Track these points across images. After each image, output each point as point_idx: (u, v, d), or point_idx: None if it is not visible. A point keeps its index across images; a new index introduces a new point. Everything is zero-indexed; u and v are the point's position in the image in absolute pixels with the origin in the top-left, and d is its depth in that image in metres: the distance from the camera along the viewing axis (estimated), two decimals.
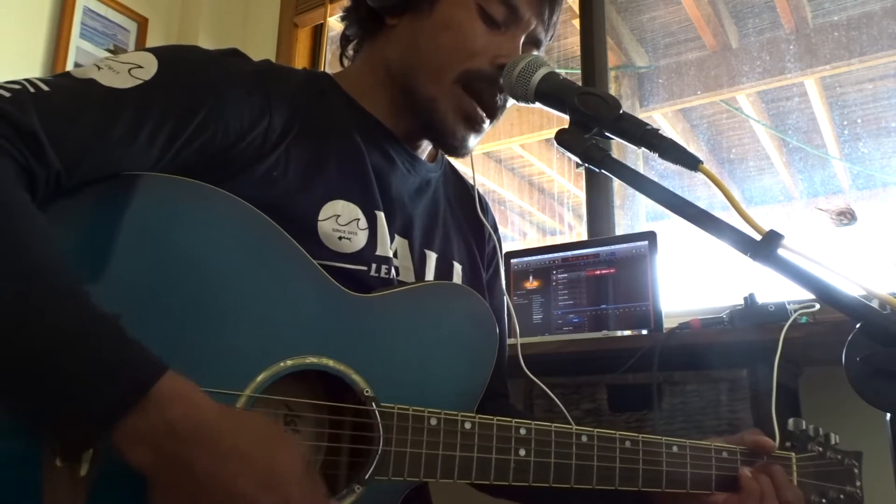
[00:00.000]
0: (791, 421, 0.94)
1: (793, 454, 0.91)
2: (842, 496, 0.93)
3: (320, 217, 0.80)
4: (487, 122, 0.91)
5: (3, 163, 0.59)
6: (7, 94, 0.62)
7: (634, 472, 0.82)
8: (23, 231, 0.57)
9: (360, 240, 0.83)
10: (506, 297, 1.08)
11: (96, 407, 0.54)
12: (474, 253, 1.03)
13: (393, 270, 0.86)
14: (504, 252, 1.09)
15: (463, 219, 1.04)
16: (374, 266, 0.84)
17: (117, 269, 0.64)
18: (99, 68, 0.70)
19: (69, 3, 2.30)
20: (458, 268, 0.98)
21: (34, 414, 0.55)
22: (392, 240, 0.89)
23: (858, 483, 0.96)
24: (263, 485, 0.56)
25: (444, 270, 0.96)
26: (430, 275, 0.94)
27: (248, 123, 0.77)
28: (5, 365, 0.54)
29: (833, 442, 0.95)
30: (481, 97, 0.88)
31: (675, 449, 0.84)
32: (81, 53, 2.31)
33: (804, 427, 0.94)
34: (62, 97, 0.66)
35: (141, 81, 0.71)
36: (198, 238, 0.68)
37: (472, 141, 0.92)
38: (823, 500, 0.91)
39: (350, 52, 0.99)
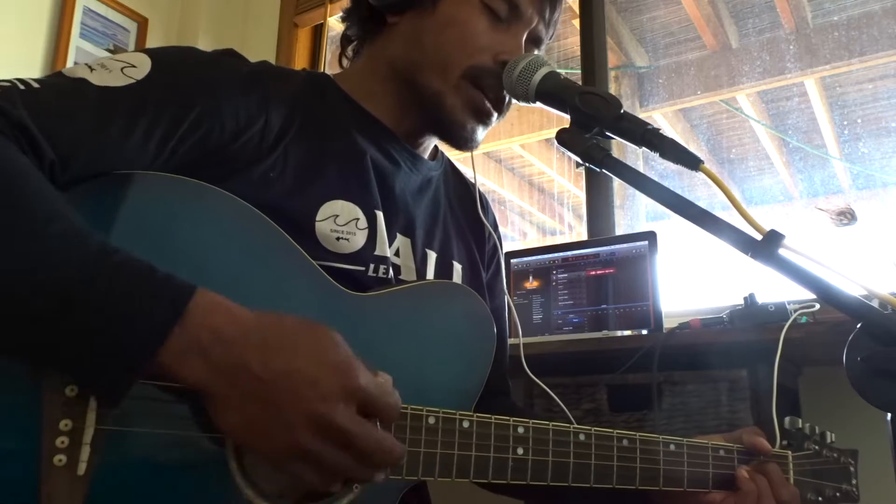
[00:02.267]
0: (787, 419, 0.94)
1: (789, 452, 0.91)
2: (838, 494, 0.93)
3: (318, 217, 0.80)
4: (495, 115, 0.91)
5: (5, 142, 0.59)
6: None
7: (632, 470, 0.82)
8: (35, 182, 0.57)
9: (359, 240, 0.83)
10: (507, 297, 1.08)
11: (140, 329, 0.54)
12: (474, 252, 1.02)
13: (391, 270, 0.86)
14: (504, 252, 1.09)
15: (463, 218, 1.03)
16: (371, 266, 0.84)
17: None
18: (91, 69, 0.70)
19: (69, 3, 2.30)
20: (457, 267, 0.98)
21: (75, 354, 0.54)
22: (394, 239, 0.89)
23: (854, 481, 0.96)
24: (317, 365, 0.57)
25: (443, 270, 0.96)
26: (430, 274, 0.94)
27: (244, 123, 0.77)
28: (48, 311, 0.53)
29: (829, 440, 0.96)
30: (488, 92, 0.88)
31: (672, 447, 0.84)
32: (81, 53, 2.31)
33: (800, 425, 0.94)
34: (53, 96, 0.65)
35: (134, 80, 0.70)
36: (194, 236, 0.68)
37: (481, 134, 0.92)
38: (820, 498, 0.91)
39: (350, 52, 0.98)
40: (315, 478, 0.58)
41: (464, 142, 0.91)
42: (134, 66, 0.71)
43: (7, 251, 0.53)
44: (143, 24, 2.52)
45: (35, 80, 0.66)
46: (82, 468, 0.56)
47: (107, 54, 2.37)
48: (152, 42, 2.54)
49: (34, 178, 0.58)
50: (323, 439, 0.56)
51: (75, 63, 2.28)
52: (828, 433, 0.96)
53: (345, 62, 0.99)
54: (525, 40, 0.91)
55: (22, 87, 0.64)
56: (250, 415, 0.56)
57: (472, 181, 1.07)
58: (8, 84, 0.64)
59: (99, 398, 0.56)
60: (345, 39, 0.99)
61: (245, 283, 0.69)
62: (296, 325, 0.60)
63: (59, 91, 0.66)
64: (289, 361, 0.57)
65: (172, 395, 0.61)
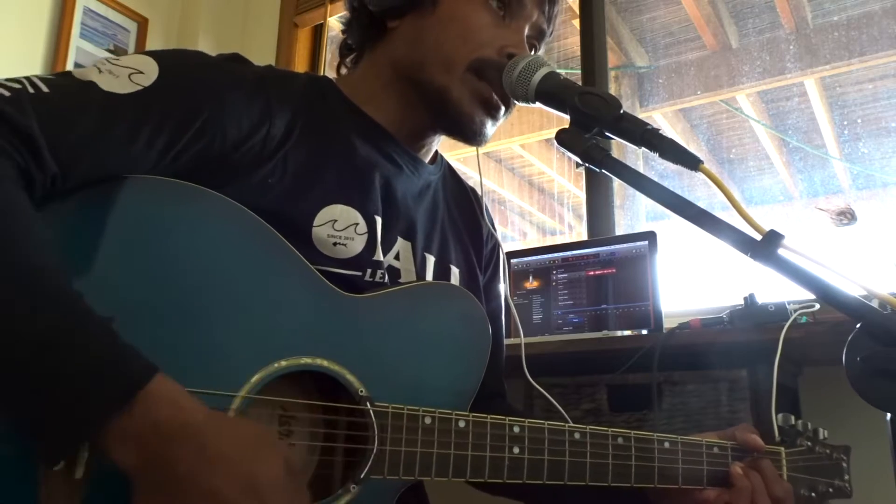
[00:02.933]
0: (780, 416, 0.94)
1: (782, 449, 0.91)
2: (831, 490, 0.94)
3: (315, 223, 0.80)
4: (503, 109, 0.90)
5: (5, 164, 0.59)
6: (6, 94, 0.62)
7: (627, 468, 0.82)
8: (17, 230, 0.57)
9: (357, 245, 0.83)
10: (508, 299, 1.08)
11: (85, 406, 0.54)
12: (471, 256, 1.02)
13: (386, 275, 0.86)
14: (503, 252, 1.09)
15: (461, 221, 1.03)
16: (368, 271, 0.84)
17: (111, 270, 0.63)
18: (100, 71, 0.70)
19: (69, 3, 2.30)
20: (455, 271, 0.98)
21: (21, 414, 0.55)
22: (394, 243, 0.89)
23: (847, 477, 0.97)
24: (245, 491, 0.56)
25: (441, 274, 0.96)
26: (428, 278, 0.94)
27: (248, 130, 0.77)
28: (8, 358, 0.54)
29: (822, 437, 0.96)
30: (494, 85, 0.88)
31: (666, 445, 0.85)
32: (81, 53, 2.31)
33: (793, 422, 0.94)
34: (61, 99, 0.66)
35: (141, 88, 0.70)
36: (191, 239, 0.68)
37: (490, 128, 0.91)
38: (813, 494, 0.92)
39: (348, 62, 0.98)
40: None
41: (473, 135, 0.90)
42: (141, 73, 0.72)
43: None
44: (143, 24, 2.52)
45: (44, 80, 0.66)
46: (80, 471, 0.56)
47: (107, 54, 2.38)
48: (152, 42, 2.54)
49: (22, 220, 0.58)
50: None
51: (76, 64, 2.28)
52: (820, 430, 0.96)
53: (343, 70, 0.99)
54: (527, 35, 0.91)
55: (32, 90, 0.64)
56: None
57: (475, 184, 1.07)
58: (19, 86, 0.64)
59: (45, 457, 0.56)
60: (344, 48, 0.99)
61: (241, 286, 0.70)
62: (241, 437, 0.59)
63: (66, 95, 0.67)
64: (217, 477, 0.55)
65: None
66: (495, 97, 0.88)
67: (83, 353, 0.55)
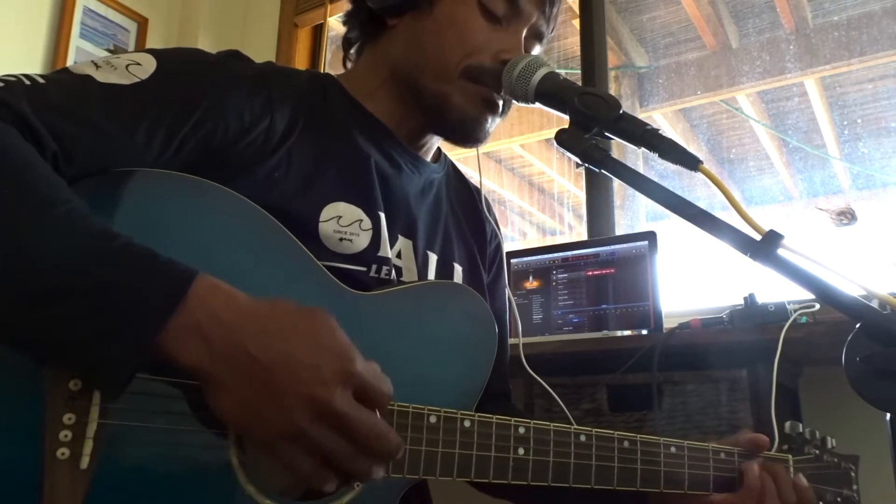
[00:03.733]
0: (788, 424, 0.94)
1: (790, 456, 0.91)
2: (839, 499, 0.93)
3: (321, 218, 0.80)
4: (501, 104, 0.90)
5: (9, 129, 0.59)
6: (1, 85, 0.63)
7: (633, 471, 0.82)
8: (40, 167, 0.58)
9: (362, 241, 0.83)
10: (510, 297, 1.08)
11: (140, 313, 0.54)
12: (475, 254, 1.02)
13: (393, 271, 0.86)
14: (505, 251, 1.09)
15: (464, 220, 1.03)
16: (374, 267, 0.84)
17: None
18: (97, 66, 0.70)
19: (69, 3, 2.30)
20: (458, 269, 0.98)
21: (75, 340, 0.54)
22: (395, 241, 0.89)
23: (855, 486, 0.96)
24: (316, 349, 0.57)
25: (444, 272, 0.96)
26: (431, 276, 0.94)
27: (249, 123, 0.77)
28: (49, 296, 0.53)
29: (830, 445, 0.95)
30: (490, 88, 0.88)
31: (672, 449, 0.84)
32: (81, 53, 2.31)
33: (801, 430, 0.94)
34: (58, 92, 0.66)
35: (139, 79, 0.71)
36: (197, 234, 0.68)
37: (490, 126, 0.91)
38: (821, 503, 0.91)
39: (352, 54, 0.98)
40: (310, 466, 0.57)
41: (475, 136, 0.90)
42: (139, 65, 0.72)
43: (10, 233, 0.54)
44: (143, 24, 2.52)
45: (41, 75, 0.66)
46: (85, 462, 0.56)
47: (107, 54, 2.37)
48: (152, 42, 2.54)
49: (38, 162, 0.59)
50: (320, 423, 0.56)
51: (75, 62, 2.28)
52: (828, 438, 0.96)
53: (348, 64, 0.99)
54: (525, 36, 0.91)
55: (27, 82, 0.64)
56: (248, 398, 0.55)
57: (477, 183, 1.08)
58: (13, 79, 0.64)
59: (101, 385, 0.56)
60: (346, 43, 0.99)
61: (248, 281, 0.69)
62: (294, 310, 0.60)
63: (63, 87, 0.67)
64: (287, 345, 0.57)
65: (176, 390, 0.61)
66: (495, 95, 0.88)
67: (128, 261, 0.55)
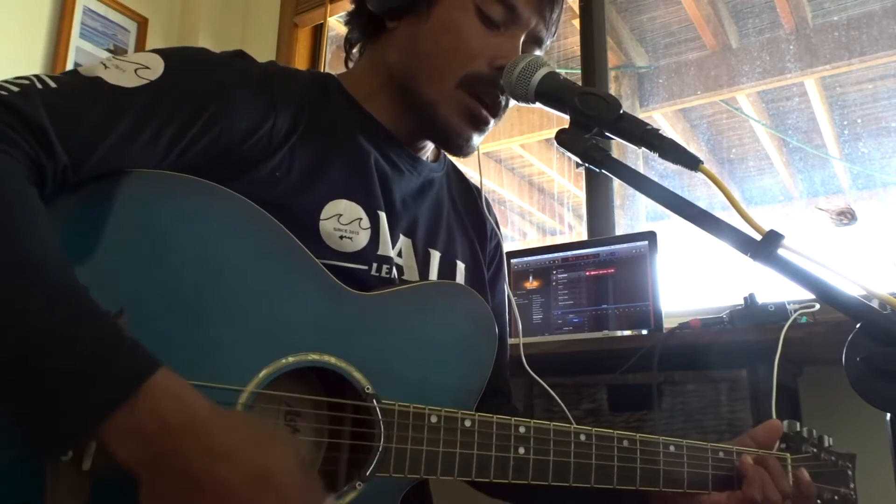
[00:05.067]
0: (785, 422, 0.94)
1: (788, 455, 0.91)
2: (836, 497, 0.93)
3: (322, 216, 0.81)
4: (492, 121, 0.91)
5: (16, 155, 0.60)
6: (16, 90, 0.63)
7: (632, 470, 0.82)
8: (22, 224, 0.57)
9: (362, 239, 0.84)
10: (510, 297, 1.08)
11: (87, 401, 0.53)
12: (477, 252, 1.03)
13: (394, 270, 0.87)
14: (504, 250, 1.09)
15: (466, 217, 1.04)
16: (374, 265, 0.84)
17: (118, 264, 0.64)
18: (106, 67, 0.71)
19: (69, 3, 2.30)
20: (461, 266, 0.99)
21: (25, 408, 0.54)
22: (396, 240, 0.90)
23: (852, 485, 0.96)
24: (258, 483, 0.55)
25: (447, 269, 0.96)
26: (433, 274, 0.94)
27: (254, 124, 0.78)
28: (4, 360, 0.53)
29: (827, 444, 0.96)
30: (484, 99, 0.88)
31: (672, 448, 0.85)
32: (81, 53, 2.31)
33: (798, 429, 0.94)
34: (69, 94, 0.67)
35: (147, 81, 0.71)
36: (199, 234, 0.68)
37: (477, 140, 0.92)
38: (819, 501, 0.91)
39: (354, 54, 0.99)
40: None
41: (458, 149, 0.92)
42: (147, 68, 0.72)
43: None
44: (143, 24, 2.52)
45: (52, 78, 0.67)
46: (87, 463, 0.56)
47: (107, 54, 2.38)
48: (152, 42, 2.54)
49: (28, 214, 0.58)
50: None
51: (76, 64, 2.28)
52: (825, 437, 0.96)
53: (350, 64, 1.00)
54: (524, 41, 0.91)
55: (40, 85, 0.65)
56: None
57: (478, 183, 1.08)
58: (27, 82, 0.65)
59: (44, 449, 0.56)
60: (347, 43, 0.99)
61: (249, 282, 0.70)
62: (251, 435, 0.57)
63: (74, 91, 0.67)
64: (228, 473, 0.54)
65: None
66: (484, 112, 0.89)
67: (85, 347, 0.54)
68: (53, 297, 0.55)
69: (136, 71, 0.71)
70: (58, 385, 0.53)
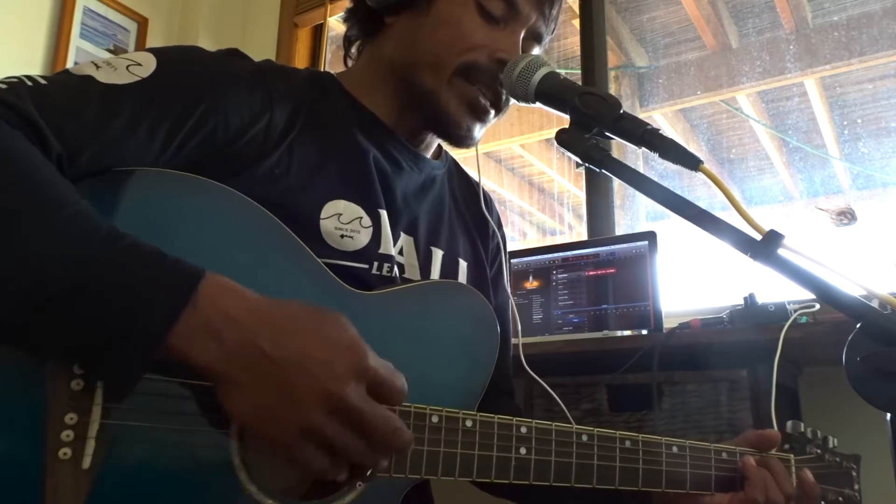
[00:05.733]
0: (789, 423, 0.94)
1: (791, 455, 0.91)
2: (840, 499, 0.93)
3: (322, 215, 0.81)
4: (492, 112, 0.91)
5: (13, 131, 0.60)
6: (4, 87, 0.63)
7: (634, 471, 0.82)
8: (45, 168, 0.58)
9: (363, 238, 0.84)
10: (510, 298, 1.08)
11: (150, 312, 0.54)
12: (479, 250, 1.03)
13: (395, 268, 0.86)
14: (505, 248, 1.09)
15: (468, 216, 1.04)
16: (375, 264, 0.84)
17: None
18: (97, 66, 0.71)
19: (69, 3, 2.30)
20: (463, 265, 0.99)
21: (88, 338, 0.54)
22: (397, 238, 0.89)
23: (857, 486, 0.96)
24: (329, 346, 0.57)
25: (449, 268, 0.96)
26: (435, 272, 0.94)
27: (249, 119, 0.77)
28: (57, 298, 0.53)
29: (831, 445, 0.95)
30: (483, 89, 0.88)
31: (674, 449, 0.84)
32: (81, 53, 2.31)
33: (802, 429, 0.94)
34: (60, 92, 0.66)
35: (139, 78, 0.71)
36: (198, 232, 0.68)
37: (478, 131, 0.92)
38: (822, 502, 0.91)
39: (354, 52, 0.99)
40: (324, 462, 0.58)
41: (460, 139, 0.91)
42: (139, 65, 0.72)
43: (16, 235, 0.54)
44: (143, 24, 2.52)
45: (42, 77, 0.67)
46: (87, 462, 0.56)
47: (107, 54, 2.38)
48: (152, 42, 2.54)
49: (44, 164, 0.59)
50: (335, 419, 0.57)
51: (76, 63, 2.28)
52: (830, 438, 0.95)
53: (349, 62, 1.00)
54: (524, 38, 0.91)
55: (29, 83, 0.65)
56: (262, 396, 0.56)
57: (477, 180, 1.08)
58: (16, 80, 0.64)
59: (108, 386, 0.56)
60: (346, 41, 0.99)
61: (249, 280, 0.69)
62: (305, 309, 0.60)
63: (65, 88, 0.67)
64: (299, 343, 0.57)
65: (178, 391, 0.61)
66: (483, 101, 0.89)
67: (134, 264, 0.55)
68: (92, 224, 0.56)
69: (127, 68, 0.71)
70: (118, 304, 0.53)
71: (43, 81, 0.66)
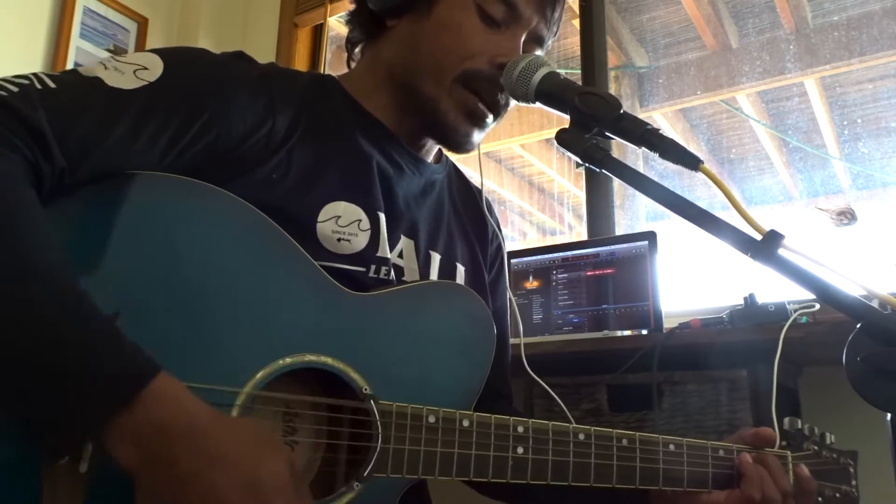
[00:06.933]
0: (787, 420, 0.94)
1: (788, 452, 0.91)
2: (837, 495, 0.93)
3: (319, 218, 0.80)
4: (491, 117, 0.91)
5: (14, 158, 0.60)
6: (15, 90, 0.63)
7: (632, 469, 0.82)
8: (22, 228, 0.58)
9: (361, 241, 0.83)
10: (510, 299, 1.08)
11: (88, 405, 0.54)
12: (477, 254, 1.03)
13: (392, 272, 0.86)
14: (505, 253, 1.09)
15: (466, 220, 1.04)
16: (373, 267, 0.84)
17: (116, 266, 0.64)
18: (105, 68, 0.71)
19: (69, 3, 2.30)
20: (460, 269, 0.99)
21: (24, 411, 0.55)
22: (397, 241, 0.89)
23: (854, 482, 0.96)
24: (248, 491, 0.55)
25: (447, 272, 0.96)
26: (433, 276, 0.94)
27: (252, 126, 0.78)
28: (4, 363, 0.54)
29: (828, 441, 0.95)
30: (482, 95, 0.88)
31: (671, 447, 0.85)
32: (81, 53, 2.31)
33: (800, 426, 0.94)
34: (68, 95, 0.66)
35: (146, 83, 0.71)
36: (197, 235, 0.68)
37: (477, 137, 0.92)
38: (819, 499, 0.91)
39: (356, 54, 0.99)
40: None
41: (458, 145, 0.92)
42: (146, 69, 0.72)
43: None
44: (143, 24, 2.52)
45: (50, 77, 0.67)
46: (84, 466, 0.56)
47: (107, 54, 2.38)
48: (152, 42, 2.54)
49: (28, 217, 0.58)
50: None
51: (76, 64, 2.28)
52: (827, 434, 0.96)
53: (351, 64, 1.00)
54: (525, 40, 0.91)
55: (39, 85, 0.65)
56: None
57: (479, 184, 1.08)
58: (26, 82, 0.65)
59: (50, 453, 0.56)
60: (348, 43, 0.99)
61: (246, 283, 0.70)
62: (244, 438, 0.58)
63: (73, 92, 0.67)
64: (219, 477, 0.55)
65: None
66: (482, 107, 0.89)
67: (85, 351, 0.55)
68: (53, 300, 0.56)
69: (135, 72, 0.71)
70: (58, 389, 0.54)
71: (52, 84, 0.66)
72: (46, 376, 0.54)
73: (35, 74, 0.66)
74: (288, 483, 0.58)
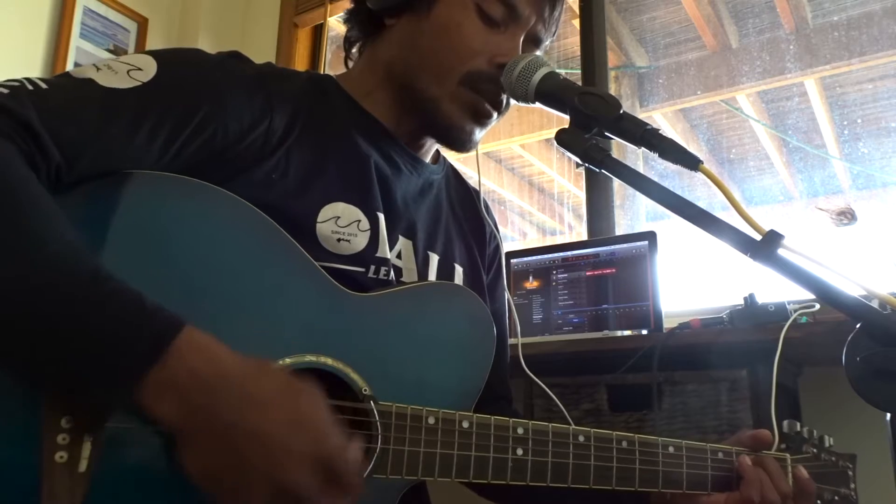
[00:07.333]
0: (786, 423, 0.94)
1: (787, 455, 0.91)
2: (836, 498, 0.93)
3: (319, 219, 0.80)
4: (494, 115, 0.91)
5: (10, 147, 0.60)
6: (6, 91, 0.63)
7: (631, 471, 0.82)
8: (28, 203, 0.58)
9: (361, 242, 0.83)
10: (508, 300, 1.08)
11: (121, 363, 0.54)
12: (475, 255, 1.02)
13: (392, 272, 0.86)
14: (504, 252, 1.09)
15: (464, 221, 1.03)
16: (372, 268, 0.84)
17: (114, 266, 0.63)
18: (98, 69, 0.71)
19: (69, 3, 2.30)
20: (459, 270, 0.98)
21: (58, 381, 0.55)
22: (396, 242, 0.89)
23: (853, 485, 0.96)
24: (293, 427, 0.56)
25: (445, 272, 0.96)
26: (432, 277, 0.94)
27: (248, 125, 0.77)
28: (31, 334, 0.54)
29: (827, 444, 0.95)
30: (486, 96, 0.88)
31: (671, 449, 0.85)
32: (81, 53, 2.31)
33: (799, 429, 0.94)
34: (60, 96, 0.66)
35: (140, 83, 0.71)
36: (196, 235, 0.68)
37: (479, 135, 0.92)
38: (818, 502, 0.91)
39: (355, 52, 0.99)
40: None
41: (461, 143, 0.91)
42: (140, 69, 0.72)
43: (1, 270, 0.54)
44: (143, 24, 2.52)
45: (43, 79, 0.67)
46: (83, 465, 0.56)
47: (107, 54, 2.38)
48: (152, 42, 2.54)
49: (33, 191, 0.59)
50: (281, 502, 0.56)
51: (76, 64, 2.28)
52: (826, 437, 0.96)
53: (350, 63, 1.00)
54: (524, 40, 0.91)
55: (30, 87, 0.65)
56: (214, 464, 0.55)
57: (476, 184, 1.08)
58: (17, 84, 0.64)
59: (79, 423, 0.57)
60: (347, 42, 0.99)
61: (246, 284, 0.70)
62: (279, 381, 0.59)
63: (65, 92, 0.67)
64: (263, 418, 0.56)
65: None
66: (487, 107, 0.89)
67: (113, 311, 0.55)
68: (75, 264, 0.56)
69: (128, 72, 0.71)
70: (89, 352, 0.54)
71: (43, 86, 0.66)
72: (76, 342, 0.54)
73: (26, 78, 0.66)
74: (329, 415, 0.59)
